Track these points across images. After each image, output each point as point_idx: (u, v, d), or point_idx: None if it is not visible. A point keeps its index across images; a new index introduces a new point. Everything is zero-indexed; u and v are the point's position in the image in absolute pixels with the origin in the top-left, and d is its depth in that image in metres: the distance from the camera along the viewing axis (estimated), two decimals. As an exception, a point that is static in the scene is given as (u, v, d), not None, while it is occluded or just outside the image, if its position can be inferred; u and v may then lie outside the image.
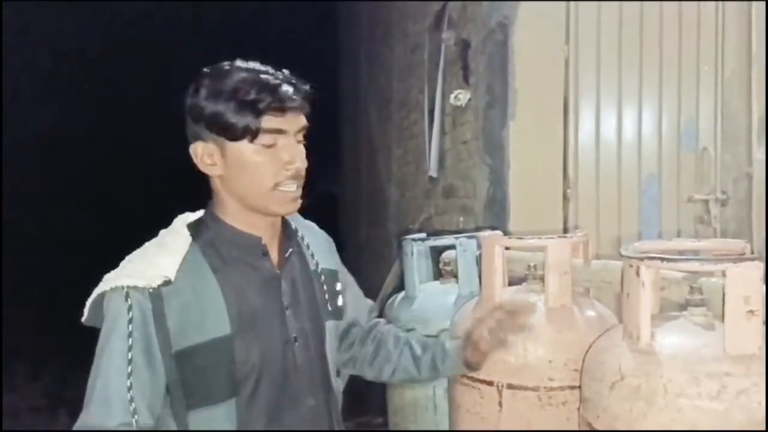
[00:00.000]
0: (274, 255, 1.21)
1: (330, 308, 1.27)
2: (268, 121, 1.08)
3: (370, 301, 1.50)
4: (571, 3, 3.13)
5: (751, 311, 1.11)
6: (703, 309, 1.25)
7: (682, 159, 3.39)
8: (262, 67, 1.13)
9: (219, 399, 1.09)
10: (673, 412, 1.10)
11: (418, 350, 1.36)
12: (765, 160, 3.33)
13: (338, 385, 1.30)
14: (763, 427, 1.06)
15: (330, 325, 1.27)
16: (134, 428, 1.04)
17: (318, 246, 1.32)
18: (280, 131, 1.10)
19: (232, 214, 1.17)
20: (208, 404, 1.09)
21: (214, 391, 1.09)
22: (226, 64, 1.14)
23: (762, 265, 1.13)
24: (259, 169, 1.11)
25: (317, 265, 1.28)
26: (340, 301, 1.32)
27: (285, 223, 1.26)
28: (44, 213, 9.07)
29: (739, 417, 1.06)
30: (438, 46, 3.84)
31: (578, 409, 1.36)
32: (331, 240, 1.41)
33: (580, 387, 1.35)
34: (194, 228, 1.18)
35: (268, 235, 1.20)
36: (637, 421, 1.13)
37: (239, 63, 1.14)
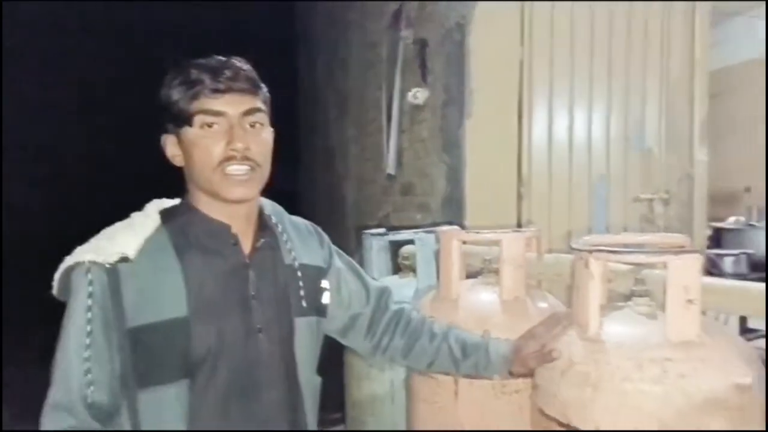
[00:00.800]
0: (246, 245, 1.22)
1: (306, 304, 1.26)
2: (205, 103, 1.11)
3: (378, 284, 1.49)
4: (526, 4, 3.22)
5: (690, 300, 1.18)
6: (646, 299, 1.32)
7: (630, 160, 3.54)
8: (220, 58, 1.16)
9: (170, 379, 1.10)
10: (619, 395, 1.16)
11: (458, 352, 1.39)
12: (706, 161, 3.51)
13: (315, 381, 1.31)
14: (702, 409, 1.13)
15: (305, 321, 1.26)
16: (89, 400, 1.06)
17: (302, 242, 1.32)
18: (218, 113, 1.12)
19: (205, 204, 1.19)
20: (158, 384, 1.10)
21: (166, 371, 1.10)
22: (191, 60, 1.16)
23: (701, 258, 1.21)
24: (201, 151, 1.13)
25: (294, 260, 1.28)
26: (324, 299, 1.31)
27: (261, 216, 1.27)
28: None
29: (679, 399, 1.12)
30: (396, 44, 3.88)
31: (530, 396, 1.42)
32: (323, 237, 1.40)
33: (532, 375, 1.41)
34: (166, 213, 1.20)
35: (241, 224, 1.21)
36: (586, 405, 1.19)
37: (204, 58, 1.16)
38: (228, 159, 1.12)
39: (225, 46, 1.22)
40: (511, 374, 1.37)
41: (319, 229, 1.42)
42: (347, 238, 5.26)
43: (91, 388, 1.06)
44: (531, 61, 3.25)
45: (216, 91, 1.11)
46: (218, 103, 1.12)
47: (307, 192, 7.50)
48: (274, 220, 1.30)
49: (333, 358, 2.10)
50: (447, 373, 1.47)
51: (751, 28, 8.95)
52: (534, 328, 1.38)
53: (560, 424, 1.24)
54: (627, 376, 1.17)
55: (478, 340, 1.40)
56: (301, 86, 7.94)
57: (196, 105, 1.12)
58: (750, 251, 4.57)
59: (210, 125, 1.12)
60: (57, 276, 1.14)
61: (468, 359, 1.38)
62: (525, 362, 1.33)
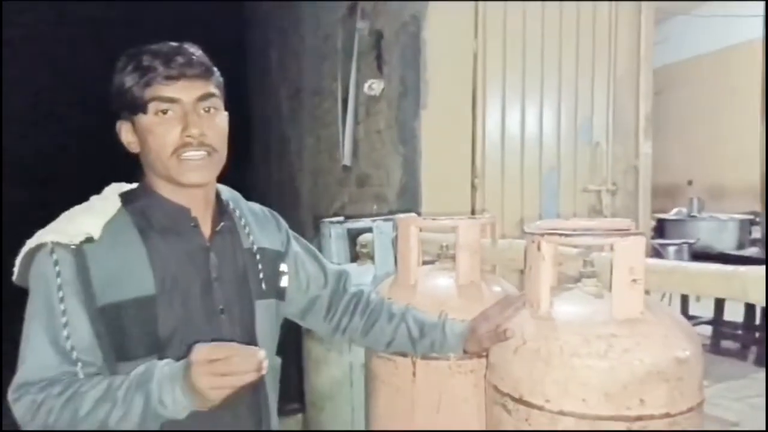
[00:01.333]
0: (206, 229, 1.24)
1: (265, 287, 1.29)
2: (158, 90, 1.12)
3: (336, 267, 1.53)
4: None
5: (635, 280, 1.25)
6: (594, 280, 1.39)
7: (579, 153, 3.66)
8: (171, 43, 1.17)
9: (142, 355, 1.12)
10: (567, 370, 1.22)
11: (416, 332, 1.43)
12: (650, 154, 3.66)
13: (275, 362, 1.33)
14: (644, 381, 1.20)
15: (265, 303, 1.29)
16: (80, 375, 1.06)
17: (259, 226, 1.34)
18: (172, 100, 1.13)
19: (163, 188, 1.20)
20: (132, 359, 1.11)
21: (137, 347, 1.12)
22: (143, 47, 1.16)
23: (644, 240, 1.28)
24: (156, 138, 1.14)
25: (253, 244, 1.30)
26: (282, 282, 1.34)
27: (219, 200, 1.29)
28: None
29: (624, 372, 1.19)
30: (351, 35, 3.90)
31: (485, 375, 1.47)
32: (280, 222, 1.43)
33: (486, 355, 1.46)
34: (125, 196, 1.20)
35: (200, 208, 1.23)
36: (537, 380, 1.25)
37: (156, 45, 1.16)
38: (184, 145, 1.13)
39: (172, 38, 1.22)
40: (466, 353, 1.43)
41: (276, 214, 1.44)
42: (302, 230, 5.25)
43: (79, 364, 1.07)
44: (485, 55, 3.32)
45: (169, 78, 1.12)
46: (172, 89, 1.12)
47: (260, 184, 7.44)
48: (231, 205, 1.32)
49: (291, 345, 2.13)
50: (404, 353, 1.52)
51: (690, 26, 9.31)
52: (488, 310, 1.44)
53: (513, 399, 1.29)
54: (575, 352, 1.23)
55: (434, 320, 1.45)
56: (252, 78, 7.87)
57: (150, 92, 1.12)
58: (691, 241, 4.77)
59: (164, 112, 1.13)
60: (18, 260, 1.13)
61: (425, 338, 1.43)
62: (480, 341, 1.39)
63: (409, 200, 3.20)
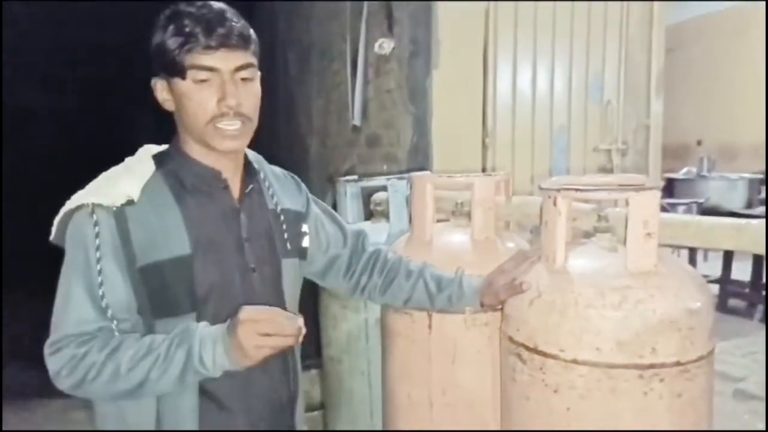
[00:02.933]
0: (235, 190, 1.27)
1: (290, 247, 1.34)
2: (198, 58, 1.13)
3: (354, 227, 1.57)
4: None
5: (649, 234, 1.28)
6: (608, 235, 1.42)
7: (589, 111, 3.65)
8: (213, 5, 1.16)
9: (181, 312, 1.16)
10: (582, 320, 1.26)
11: (433, 287, 1.47)
12: (662, 112, 3.64)
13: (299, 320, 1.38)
14: (656, 331, 1.24)
15: (290, 262, 1.34)
16: (115, 332, 1.11)
17: (282, 188, 1.38)
18: (211, 68, 1.14)
19: (195, 150, 1.23)
20: (170, 316, 1.16)
21: (176, 304, 1.16)
22: (187, 3, 1.16)
23: (659, 194, 1.30)
24: (193, 106, 1.16)
25: (276, 205, 1.34)
26: (304, 242, 1.38)
27: (247, 162, 1.32)
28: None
29: (637, 323, 1.23)
30: (361, -5, 3.86)
31: (499, 328, 1.51)
32: (300, 184, 1.46)
33: (501, 308, 1.50)
34: (158, 158, 1.23)
35: (229, 170, 1.26)
36: (552, 330, 1.29)
37: (200, 2, 1.16)
38: (221, 115, 1.15)
39: None
40: (482, 306, 1.47)
41: (296, 177, 1.48)
42: (311, 190, 5.25)
43: (115, 321, 1.11)
44: (497, 14, 3.29)
45: (209, 47, 1.12)
46: (211, 59, 1.13)
47: (269, 144, 7.43)
48: (256, 166, 1.35)
49: (307, 303, 2.18)
50: (421, 308, 1.56)
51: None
52: (504, 264, 1.47)
53: (527, 348, 1.33)
54: (590, 303, 1.26)
55: (451, 275, 1.49)
56: (259, 38, 7.80)
57: (189, 59, 1.12)
58: (700, 200, 4.78)
59: (203, 80, 1.14)
60: (57, 220, 1.16)
61: (442, 293, 1.47)
62: (496, 294, 1.42)
63: (420, 159, 3.21)
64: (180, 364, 1.06)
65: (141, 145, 1.27)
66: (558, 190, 1.36)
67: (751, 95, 8.45)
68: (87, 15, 7.05)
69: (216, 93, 1.15)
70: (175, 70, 1.14)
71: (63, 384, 1.11)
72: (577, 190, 1.35)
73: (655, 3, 3.72)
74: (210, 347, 1.05)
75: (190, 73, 1.13)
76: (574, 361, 1.26)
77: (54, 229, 1.17)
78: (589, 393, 1.24)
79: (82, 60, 9.01)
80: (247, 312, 1.04)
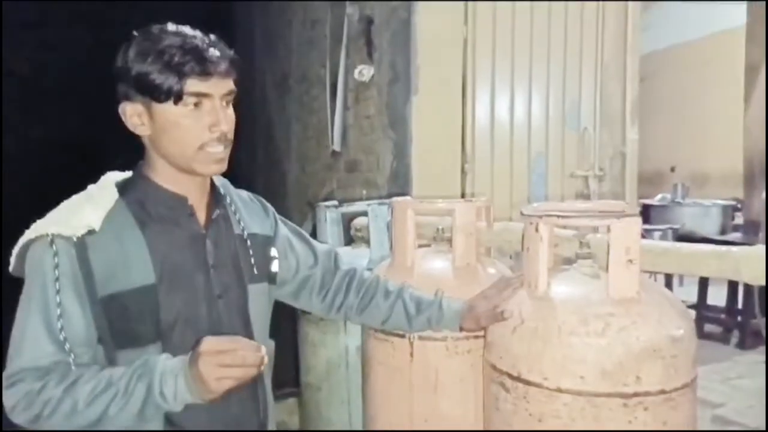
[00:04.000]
0: (201, 216, 1.24)
1: (257, 272, 1.31)
2: (192, 85, 1.11)
3: (325, 246, 1.54)
4: (470, -14, 3.30)
5: (631, 260, 1.28)
6: (590, 261, 1.42)
7: (566, 138, 3.69)
8: (191, 32, 1.15)
9: (145, 342, 1.13)
10: (565, 348, 1.25)
11: (412, 308, 1.45)
12: (637, 139, 3.70)
13: (269, 344, 1.34)
14: (640, 358, 1.23)
15: (258, 287, 1.31)
16: (73, 366, 1.07)
17: (248, 212, 1.36)
18: (204, 95, 1.13)
19: (161, 174, 1.20)
20: (133, 347, 1.12)
21: (140, 335, 1.13)
22: (155, 28, 1.14)
23: (640, 221, 1.31)
24: (184, 131, 1.13)
25: (243, 230, 1.31)
26: (273, 267, 1.36)
27: (213, 188, 1.30)
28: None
29: (620, 350, 1.22)
30: (340, 21, 3.89)
31: (482, 356, 1.50)
32: (267, 206, 1.44)
33: (483, 336, 1.49)
34: (122, 186, 1.20)
35: (196, 196, 1.23)
36: (536, 358, 1.28)
37: (170, 27, 1.15)
38: (212, 140, 1.14)
39: (158, 19, 1.20)
40: (461, 330, 1.45)
41: (262, 200, 1.45)
42: (289, 216, 5.22)
43: (72, 355, 1.07)
44: (475, 41, 3.33)
45: (205, 73, 1.11)
46: (205, 85, 1.12)
47: (244, 169, 7.40)
48: (222, 191, 1.33)
49: (286, 330, 2.14)
50: (401, 333, 1.54)
51: (672, 14, 9.38)
52: (486, 290, 1.46)
53: (511, 377, 1.32)
54: (573, 331, 1.25)
55: (431, 297, 1.48)
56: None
57: (182, 85, 1.10)
58: (676, 226, 4.85)
59: (195, 105, 1.13)
60: (15, 251, 1.13)
61: (421, 315, 1.45)
62: (477, 320, 1.41)
63: (400, 185, 3.21)
64: (140, 399, 1.03)
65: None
66: (540, 217, 1.35)
67: (721, 124, 8.66)
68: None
69: (206, 119, 1.14)
70: (162, 95, 1.11)
71: (18, 419, 1.06)
72: (558, 216, 1.35)
73: (629, 32, 3.80)
74: (171, 381, 1.02)
75: (184, 100, 1.11)
76: (558, 390, 1.24)
77: (12, 260, 1.13)
78: (573, 422, 1.23)
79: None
80: (207, 343, 1.00)
